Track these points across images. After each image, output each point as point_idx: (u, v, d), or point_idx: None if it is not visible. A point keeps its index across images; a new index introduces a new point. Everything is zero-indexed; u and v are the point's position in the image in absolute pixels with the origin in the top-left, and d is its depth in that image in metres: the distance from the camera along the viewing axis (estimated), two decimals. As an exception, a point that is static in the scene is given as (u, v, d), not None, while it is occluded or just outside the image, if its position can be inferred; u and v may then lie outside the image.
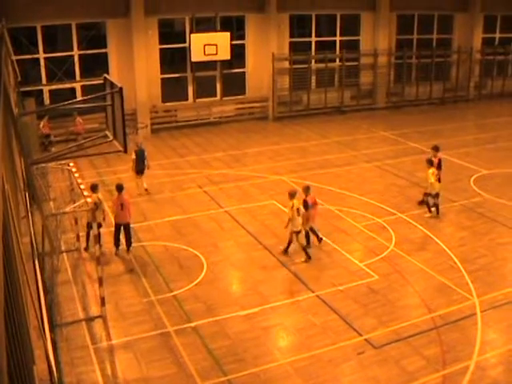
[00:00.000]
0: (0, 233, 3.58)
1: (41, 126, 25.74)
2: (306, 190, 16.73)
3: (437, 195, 18.97)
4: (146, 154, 21.08)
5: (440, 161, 19.79)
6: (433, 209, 19.06)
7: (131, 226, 16.85)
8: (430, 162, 19.03)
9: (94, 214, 13.56)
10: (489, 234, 17.73)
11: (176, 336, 12.64)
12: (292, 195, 16.15)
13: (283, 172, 23.46)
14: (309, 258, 16.01)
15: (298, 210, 15.98)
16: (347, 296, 14.21)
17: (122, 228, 16.53)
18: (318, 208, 17.47)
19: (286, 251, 16.42)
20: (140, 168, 20.79)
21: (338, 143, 28.06)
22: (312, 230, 16.77)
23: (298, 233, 16.11)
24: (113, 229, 16.70)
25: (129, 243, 16.64)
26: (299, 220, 16.00)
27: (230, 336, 12.66)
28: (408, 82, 36.75)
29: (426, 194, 19.17)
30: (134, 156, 20.55)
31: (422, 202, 19.57)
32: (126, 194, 17.07)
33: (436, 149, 20.10)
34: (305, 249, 16.15)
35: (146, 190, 21.28)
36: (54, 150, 24.53)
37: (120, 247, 16.66)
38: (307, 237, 16.64)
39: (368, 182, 22.37)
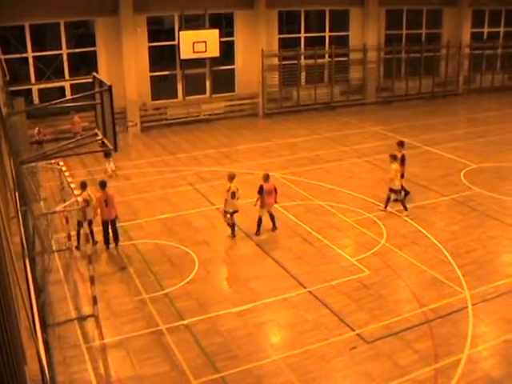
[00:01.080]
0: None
1: (35, 131, 25.45)
2: (266, 177, 17.56)
3: (399, 191, 18.91)
4: None
5: (404, 156, 19.78)
6: (388, 206, 19.05)
7: (118, 221, 16.92)
8: (393, 157, 18.95)
9: (84, 213, 13.50)
10: (480, 228, 17.79)
11: (168, 334, 12.63)
12: (230, 178, 17.29)
13: (274, 168, 23.45)
14: (233, 235, 17.39)
15: (233, 193, 17.06)
16: (339, 291, 14.24)
17: (108, 225, 16.56)
18: (277, 197, 17.96)
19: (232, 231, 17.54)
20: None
21: (328, 139, 28.09)
22: (271, 215, 17.70)
23: (231, 214, 17.27)
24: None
25: (116, 239, 16.71)
26: (233, 202, 17.16)
27: (223, 333, 12.66)
28: (398, 77, 36.86)
29: (391, 190, 18.95)
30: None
31: (396, 200, 19.17)
32: (110, 190, 17.00)
33: (401, 144, 20.13)
34: (233, 226, 17.37)
35: (114, 171, 22.44)
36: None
37: (110, 245, 16.66)
38: (259, 222, 17.54)
39: (358, 178, 22.40)
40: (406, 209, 18.79)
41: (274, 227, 17.74)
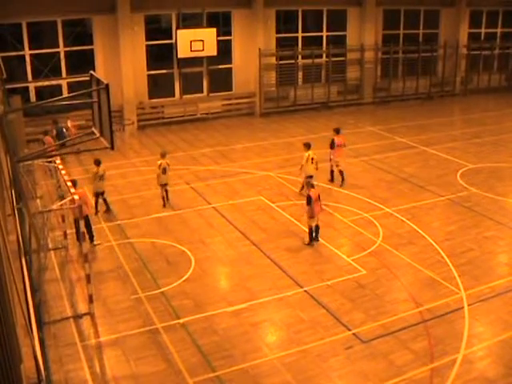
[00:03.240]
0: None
1: (44, 140, 24.99)
2: (310, 185, 17.07)
3: (311, 177, 19.68)
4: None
5: (332, 141, 21.57)
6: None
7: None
8: (307, 146, 20.21)
9: (80, 211, 13.48)
10: (476, 228, 17.82)
11: (164, 332, 12.62)
12: (162, 155, 19.43)
13: (271, 168, 23.47)
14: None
15: (164, 168, 19.25)
16: (335, 291, 14.24)
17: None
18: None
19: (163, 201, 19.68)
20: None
21: (324, 138, 27.94)
22: (314, 227, 16.92)
23: (163, 185, 19.51)
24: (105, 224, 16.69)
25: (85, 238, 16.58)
26: (163, 177, 19.41)
27: (219, 332, 12.66)
28: (395, 77, 36.87)
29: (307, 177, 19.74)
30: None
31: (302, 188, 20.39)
32: (80, 188, 16.80)
33: (337, 131, 22.01)
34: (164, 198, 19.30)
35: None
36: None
37: (94, 238, 16.85)
38: (316, 231, 16.91)
39: (355, 177, 22.40)
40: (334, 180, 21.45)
41: (313, 240, 16.94)
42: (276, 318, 13.27)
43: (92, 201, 18.49)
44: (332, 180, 21.81)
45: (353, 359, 11.70)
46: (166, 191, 19.78)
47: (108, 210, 19.11)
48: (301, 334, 12.53)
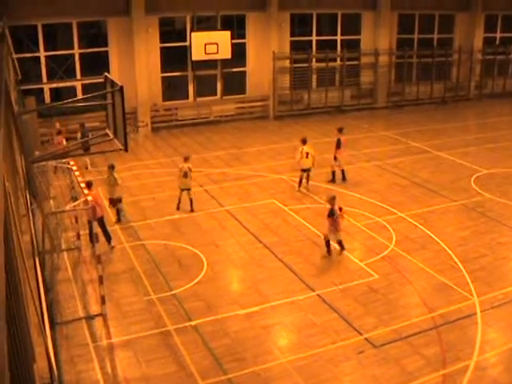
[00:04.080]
0: (1, 231, 3.58)
1: (55, 139, 25.01)
2: (333, 199, 16.12)
3: (308, 170, 21.12)
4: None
5: (339, 141, 22.28)
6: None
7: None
8: (303, 141, 21.07)
9: (94, 212, 13.53)
10: (489, 234, 17.72)
11: (176, 335, 12.63)
12: (185, 159, 19.32)
13: (283, 171, 23.46)
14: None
15: (185, 172, 19.01)
16: (347, 295, 14.21)
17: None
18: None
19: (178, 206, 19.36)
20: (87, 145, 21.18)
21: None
22: (337, 242, 16.40)
23: (183, 190, 19.26)
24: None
25: (98, 240, 16.55)
26: (184, 181, 19.12)
27: (230, 335, 12.65)
28: (409, 81, 36.75)
29: (303, 170, 21.16)
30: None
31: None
32: (94, 190, 16.64)
33: (340, 130, 22.71)
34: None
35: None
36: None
37: (112, 241, 16.81)
38: (341, 246, 16.32)
39: (368, 182, 22.36)
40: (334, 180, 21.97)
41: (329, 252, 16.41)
42: (288, 321, 13.25)
43: (108, 208, 18.51)
44: (334, 181, 22.04)
45: (364, 364, 11.66)
46: (191, 199, 19.26)
47: (119, 220, 18.54)
48: (312, 338, 12.50)
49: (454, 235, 17.71)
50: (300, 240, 17.32)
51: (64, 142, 24.38)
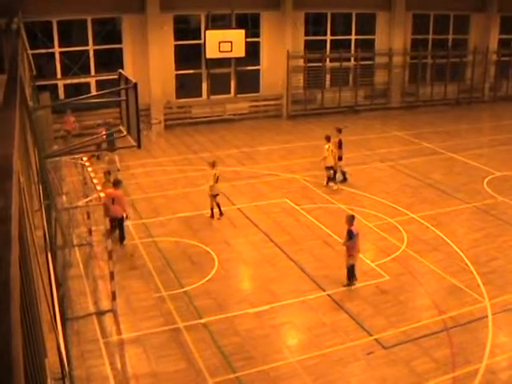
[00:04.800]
0: (16, 227, 3.61)
1: (65, 119, 25.64)
2: (351, 219, 14.54)
3: (331, 168, 21.40)
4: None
5: (340, 141, 22.10)
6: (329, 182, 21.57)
7: (126, 221, 17.09)
8: (327, 139, 21.47)
9: (106, 209, 13.57)
10: (501, 237, 17.64)
11: (186, 332, 12.66)
12: (213, 165, 18.60)
13: (296, 170, 23.45)
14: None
15: (217, 178, 18.53)
16: (358, 296, 14.19)
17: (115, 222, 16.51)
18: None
19: (211, 212, 18.73)
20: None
21: (351, 142, 27.90)
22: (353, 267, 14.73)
23: (214, 196, 18.56)
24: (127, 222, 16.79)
25: (121, 238, 16.68)
26: (216, 187, 18.52)
27: (240, 333, 12.67)
28: (423, 82, 36.64)
29: (328, 168, 21.45)
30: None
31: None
32: (120, 190, 16.82)
33: (339, 130, 22.52)
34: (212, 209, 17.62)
35: (118, 169, 22.61)
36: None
37: (125, 241, 16.76)
38: (352, 272, 14.67)
39: (381, 182, 22.31)
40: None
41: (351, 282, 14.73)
42: (297, 320, 13.26)
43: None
44: (346, 179, 22.14)
45: (373, 365, 11.64)
46: (218, 204, 18.75)
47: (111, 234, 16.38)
48: (322, 338, 12.50)
49: (466, 237, 17.65)
50: (311, 239, 17.31)
51: (74, 121, 25.05)
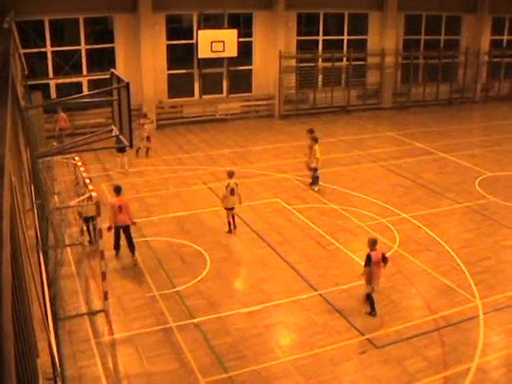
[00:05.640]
0: (8, 226, 3.60)
1: (58, 117, 25.73)
2: (373, 243, 13.26)
3: (316, 169, 21.32)
4: None
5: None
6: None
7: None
8: (315, 140, 21.39)
9: (98, 208, 13.52)
10: (493, 237, 17.71)
11: (178, 332, 12.65)
12: (230, 175, 17.55)
13: (288, 170, 23.46)
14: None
15: (232, 189, 17.34)
16: (350, 295, 14.21)
17: (121, 231, 15.81)
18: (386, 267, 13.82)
19: (229, 227, 17.71)
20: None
21: (343, 142, 28.05)
22: (370, 296, 13.49)
23: (230, 209, 17.57)
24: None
25: (131, 247, 15.84)
26: (232, 199, 17.39)
27: (232, 333, 12.67)
28: (415, 82, 36.72)
29: (315, 169, 21.27)
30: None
31: (312, 183, 21.52)
32: (124, 196, 16.48)
33: (311, 131, 22.23)
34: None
35: (126, 170, 22.72)
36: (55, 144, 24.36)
37: (120, 251, 16.09)
38: (370, 302, 13.47)
39: (373, 182, 22.35)
40: (312, 184, 21.49)
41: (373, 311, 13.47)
42: (290, 320, 13.26)
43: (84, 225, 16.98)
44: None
45: (366, 364, 11.66)
46: (233, 216, 17.77)
47: (91, 241, 16.69)
48: (314, 338, 12.51)
49: (457, 237, 17.71)
50: (304, 239, 17.32)
51: (66, 118, 25.28)
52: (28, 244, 6.80)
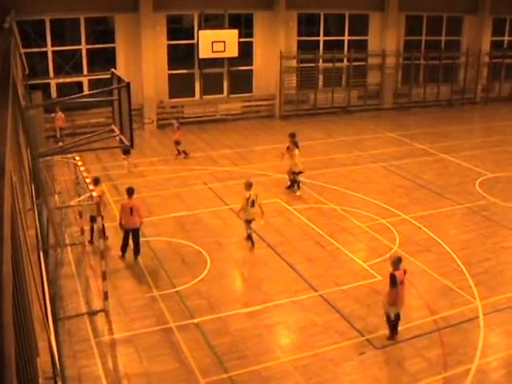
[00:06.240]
0: (8, 226, 3.60)
1: (56, 116, 25.84)
2: (397, 262, 12.39)
3: (300, 173, 21.08)
4: None
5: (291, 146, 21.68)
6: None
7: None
8: (296, 144, 21.11)
9: (99, 208, 13.53)
10: (493, 238, 17.70)
11: (178, 332, 12.65)
12: (248, 186, 16.70)
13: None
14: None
15: (252, 201, 16.56)
16: (350, 296, 14.21)
17: (130, 234, 15.78)
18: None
19: (250, 241, 16.84)
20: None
21: (343, 143, 28.04)
22: (394, 316, 12.55)
23: (249, 222, 16.73)
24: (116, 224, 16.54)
25: (136, 250, 15.84)
26: (252, 211, 16.59)
27: (232, 333, 12.67)
28: (415, 83, 36.71)
29: (295, 173, 21.00)
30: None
31: (291, 186, 21.29)
32: (136, 199, 16.37)
33: (292, 136, 21.81)
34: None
35: (131, 169, 22.84)
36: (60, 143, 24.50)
37: (126, 254, 16.02)
38: (392, 324, 12.61)
39: (373, 183, 22.35)
40: (298, 187, 21.15)
41: (394, 335, 12.60)
42: (290, 321, 13.26)
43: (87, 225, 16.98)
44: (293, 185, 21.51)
45: (366, 365, 11.66)
46: (251, 229, 16.91)
47: (92, 241, 16.79)
48: (314, 338, 12.51)
49: (457, 238, 17.70)
50: (303, 240, 17.32)
51: (63, 118, 25.89)
52: (28, 244, 6.80)
